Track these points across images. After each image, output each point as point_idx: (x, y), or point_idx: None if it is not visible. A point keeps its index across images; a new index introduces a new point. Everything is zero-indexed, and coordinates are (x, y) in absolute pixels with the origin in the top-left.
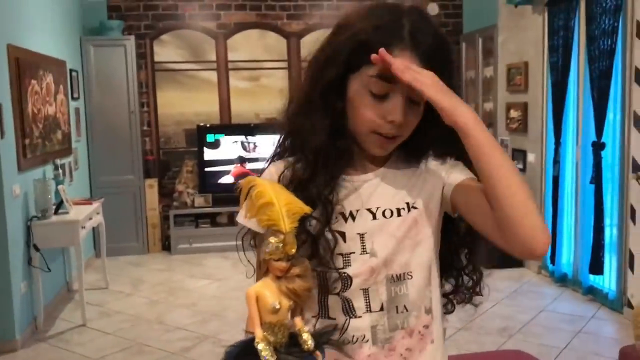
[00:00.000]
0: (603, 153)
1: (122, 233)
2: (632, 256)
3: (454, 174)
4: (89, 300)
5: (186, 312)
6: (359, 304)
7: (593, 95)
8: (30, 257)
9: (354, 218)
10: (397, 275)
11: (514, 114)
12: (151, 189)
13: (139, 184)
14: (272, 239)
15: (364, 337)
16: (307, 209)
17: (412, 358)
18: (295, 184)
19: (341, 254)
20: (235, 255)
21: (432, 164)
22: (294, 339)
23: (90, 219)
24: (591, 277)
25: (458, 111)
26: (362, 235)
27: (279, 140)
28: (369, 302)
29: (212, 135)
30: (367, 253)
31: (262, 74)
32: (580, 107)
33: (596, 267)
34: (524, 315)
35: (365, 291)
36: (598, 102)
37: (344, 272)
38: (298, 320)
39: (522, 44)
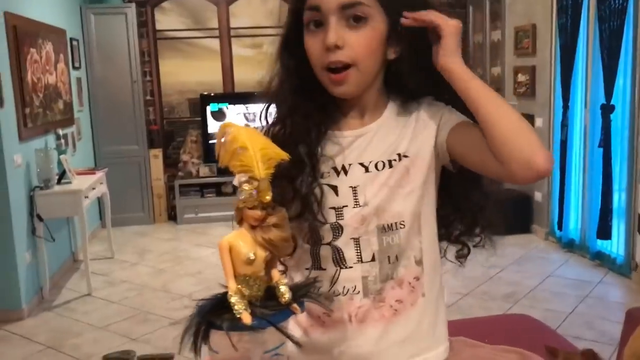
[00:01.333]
0: (612, 116)
1: (127, 203)
2: None
3: (447, 119)
4: (95, 270)
5: (191, 280)
6: (350, 254)
7: (603, 56)
8: (34, 227)
9: (346, 172)
10: (388, 225)
11: (521, 78)
12: (156, 159)
13: (143, 154)
14: (246, 186)
15: (355, 288)
16: (283, 155)
17: (403, 310)
18: (277, 143)
19: (334, 208)
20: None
21: (425, 110)
22: (270, 292)
23: (94, 189)
24: (599, 242)
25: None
26: (354, 188)
27: (261, 111)
28: (360, 252)
29: (216, 104)
30: (359, 206)
31: (265, 41)
32: (589, 70)
33: (604, 232)
34: (530, 281)
35: (357, 241)
36: (608, 63)
37: (336, 222)
38: (275, 272)
39: (530, 5)
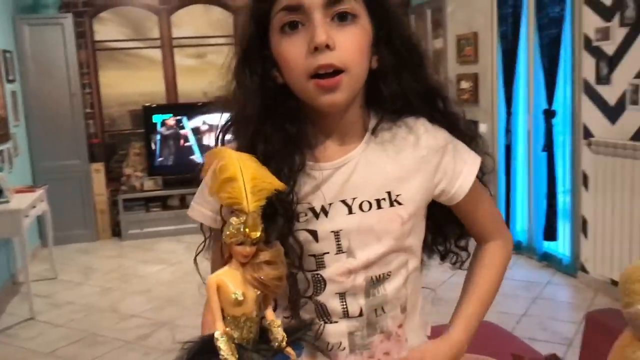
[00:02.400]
0: (554, 121)
1: (69, 220)
2: (584, 222)
3: (458, 183)
4: (37, 291)
5: (141, 299)
6: (334, 308)
7: (543, 63)
8: None
9: (326, 213)
10: (377, 277)
11: (464, 85)
12: (98, 174)
13: (84, 169)
14: (233, 220)
15: (340, 344)
16: (278, 185)
17: (403, 335)
18: None
19: (314, 255)
20: (189, 238)
21: (424, 145)
22: (264, 334)
23: (34, 207)
24: (545, 243)
25: None
26: (336, 233)
27: (217, 135)
28: (347, 307)
29: (159, 115)
30: (342, 252)
31: (209, 51)
32: (531, 76)
33: (550, 233)
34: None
35: (342, 295)
36: (548, 70)
37: (317, 274)
38: (269, 313)
39: (471, 14)
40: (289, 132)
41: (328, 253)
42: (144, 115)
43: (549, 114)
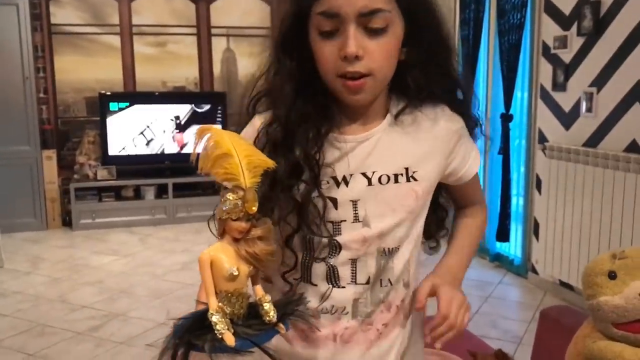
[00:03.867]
0: (511, 125)
1: (18, 208)
2: (537, 224)
3: (468, 164)
4: None
5: (92, 290)
6: (344, 274)
7: (502, 68)
8: None
9: (347, 183)
10: (389, 249)
11: None
12: (49, 161)
13: (35, 156)
14: (230, 196)
15: (344, 309)
16: (270, 163)
17: (389, 333)
18: (272, 146)
19: (332, 222)
20: (142, 230)
21: (443, 127)
22: (253, 309)
23: None
24: (498, 244)
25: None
26: (354, 202)
27: (249, 102)
28: (356, 273)
29: (116, 103)
30: (359, 221)
31: (169, 40)
32: (490, 80)
33: (503, 235)
34: None
35: (354, 262)
36: (507, 75)
37: (334, 239)
38: (258, 289)
39: None
40: (318, 102)
41: (345, 221)
42: (100, 103)
43: (506, 118)
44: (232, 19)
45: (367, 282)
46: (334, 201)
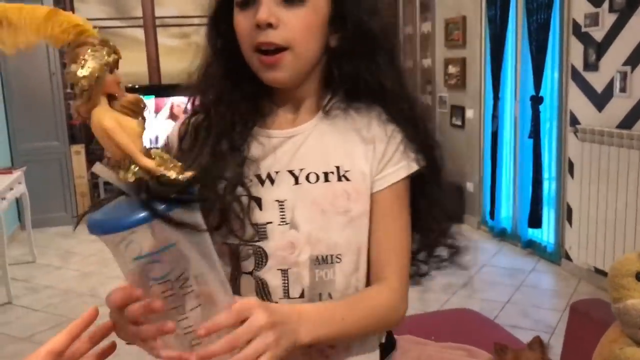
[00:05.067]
0: (541, 107)
1: (49, 203)
2: (569, 209)
3: (388, 167)
4: (15, 275)
5: (121, 283)
6: (275, 287)
7: (531, 49)
8: None
9: (272, 181)
10: (323, 257)
11: (452, 69)
12: (78, 156)
13: (64, 151)
14: (92, 49)
15: None
16: (80, 23)
17: (334, 355)
18: (194, 135)
19: (256, 224)
20: None
21: (374, 128)
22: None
23: (11, 189)
24: (530, 230)
25: None
26: (281, 203)
27: (186, 103)
28: (288, 286)
29: (142, 96)
30: (286, 224)
31: (193, 31)
32: (519, 62)
33: (535, 220)
34: (465, 271)
35: (284, 272)
36: (536, 55)
37: (259, 247)
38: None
39: None
40: (245, 90)
41: (271, 223)
42: None
43: (536, 101)
44: None
45: (302, 296)
46: (258, 201)
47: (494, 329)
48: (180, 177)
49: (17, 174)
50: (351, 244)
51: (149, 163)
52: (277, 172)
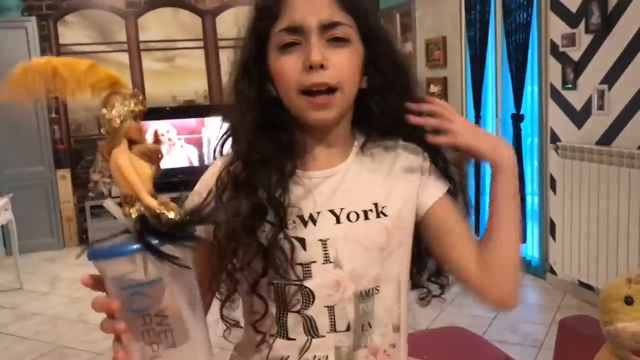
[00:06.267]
0: (522, 125)
1: (35, 228)
2: (553, 224)
3: (428, 187)
4: (2, 303)
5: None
6: (322, 322)
7: (511, 68)
8: None
9: (314, 221)
10: (366, 291)
11: (434, 89)
12: (64, 180)
13: (50, 176)
14: (118, 100)
15: (327, 358)
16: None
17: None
18: (233, 186)
19: (300, 264)
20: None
21: (403, 160)
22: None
23: None
24: None
25: (498, 150)
26: (324, 242)
27: (217, 143)
28: (335, 321)
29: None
30: (330, 262)
31: (177, 54)
32: (499, 80)
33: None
34: (453, 286)
35: (331, 309)
36: (516, 74)
37: (305, 286)
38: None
39: (439, 18)
40: (281, 140)
41: (315, 262)
42: None
43: (517, 118)
44: (238, 30)
45: (348, 329)
46: (302, 241)
47: (484, 345)
48: (178, 217)
49: (4, 200)
50: (390, 275)
51: (152, 202)
52: (318, 213)
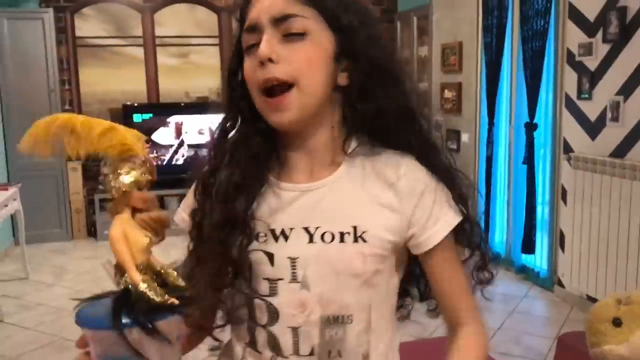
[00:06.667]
0: (535, 134)
1: (44, 219)
2: (562, 236)
3: (427, 227)
4: (7, 292)
5: None
6: (286, 343)
7: (526, 75)
8: None
9: (286, 237)
10: (334, 317)
11: (448, 94)
12: (74, 172)
13: (60, 167)
14: (129, 166)
15: None
16: (140, 135)
17: None
18: (202, 190)
19: (267, 279)
20: (166, 240)
21: (402, 182)
22: (159, 278)
23: (6, 205)
24: (523, 256)
25: None
26: (293, 260)
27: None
28: (298, 343)
29: (140, 115)
30: (297, 282)
31: (192, 51)
32: (514, 88)
33: (528, 246)
34: None
35: (295, 330)
36: (531, 82)
37: (270, 304)
38: (156, 257)
39: (456, 23)
40: (252, 146)
41: (282, 280)
42: (124, 114)
43: (531, 127)
44: None
45: (312, 354)
46: (270, 256)
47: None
48: (158, 300)
49: (13, 190)
50: (363, 304)
51: (137, 279)
52: (291, 229)
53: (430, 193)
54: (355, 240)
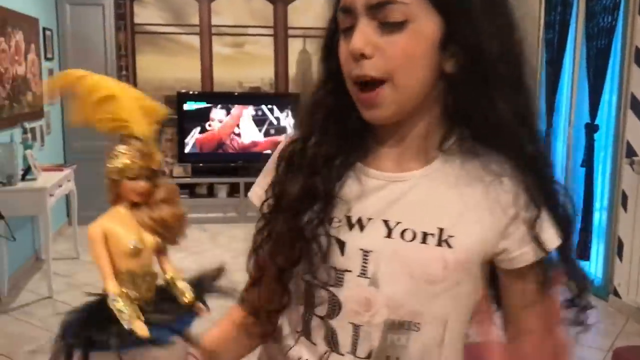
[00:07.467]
0: (596, 136)
1: (97, 201)
2: (620, 243)
3: (527, 243)
4: (58, 270)
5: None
6: (344, 339)
7: (589, 74)
8: None
9: (362, 227)
10: (400, 322)
11: None
12: None
13: None
14: (122, 148)
15: None
16: (163, 109)
17: None
18: (288, 165)
19: (334, 268)
20: (213, 227)
21: (503, 191)
22: (164, 291)
23: (60, 186)
24: (578, 262)
25: None
26: (366, 253)
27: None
28: (357, 343)
29: (193, 102)
30: (366, 277)
31: (247, 41)
32: (575, 87)
33: (583, 252)
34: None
35: (356, 328)
36: (594, 82)
37: (334, 295)
38: (167, 265)
39: (517, 17)
40: (347, 126)
41: (350, 272)
42: (178, 102)
43: (591, 129)
44: (308, 20)
45: (369, 357)
46: (342, 244)
47: None
48: (125, 325)
49: (67, 171)
50: (436, 315)
51: (111, 289)
52: (369, 219)
53: (533, 207)
54: (439, 243)
